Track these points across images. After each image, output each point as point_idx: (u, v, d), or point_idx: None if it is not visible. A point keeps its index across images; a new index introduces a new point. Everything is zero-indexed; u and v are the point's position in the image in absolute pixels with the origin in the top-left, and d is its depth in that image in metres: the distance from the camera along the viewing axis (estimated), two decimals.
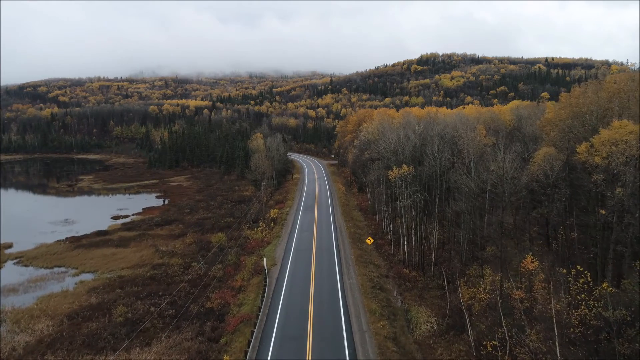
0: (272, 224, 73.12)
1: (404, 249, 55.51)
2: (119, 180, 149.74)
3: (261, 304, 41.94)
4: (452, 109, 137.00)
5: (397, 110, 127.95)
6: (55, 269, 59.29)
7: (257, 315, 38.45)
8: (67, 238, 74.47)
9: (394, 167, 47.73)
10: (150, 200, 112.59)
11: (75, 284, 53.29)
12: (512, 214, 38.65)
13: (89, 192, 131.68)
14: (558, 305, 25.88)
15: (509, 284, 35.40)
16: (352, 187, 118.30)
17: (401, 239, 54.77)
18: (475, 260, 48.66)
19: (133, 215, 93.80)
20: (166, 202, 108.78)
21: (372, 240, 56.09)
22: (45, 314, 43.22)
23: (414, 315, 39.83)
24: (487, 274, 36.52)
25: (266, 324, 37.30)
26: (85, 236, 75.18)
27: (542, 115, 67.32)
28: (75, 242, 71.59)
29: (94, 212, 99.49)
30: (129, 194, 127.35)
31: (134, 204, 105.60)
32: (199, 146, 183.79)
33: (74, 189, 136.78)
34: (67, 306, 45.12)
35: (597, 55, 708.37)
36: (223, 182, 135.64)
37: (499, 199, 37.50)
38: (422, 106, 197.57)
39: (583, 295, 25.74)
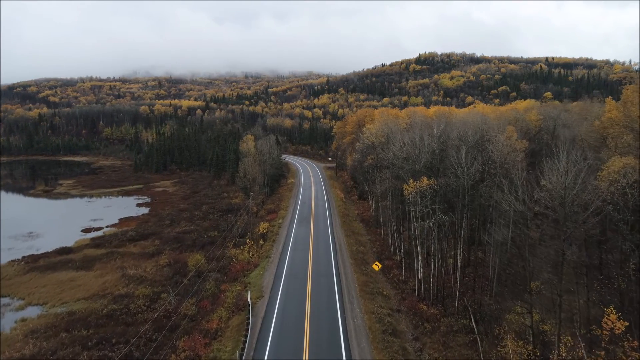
0: (262, 241, 63.15)
1: (418, 276, 45.71)
2: (100, 185, 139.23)
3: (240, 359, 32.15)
4: (458, 109, 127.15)
5: (401, 110, 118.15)
6: None
7: None
8: (23, 257, 64.20)
9: (410, 180, 37.87)
10: (130, 208, 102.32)
11: (15, 322, 43.20)
12: (579, 246, 28.87)
13: (66, 198, 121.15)
14: None
15: (577, 343, 25.63)
16: (351, 194, 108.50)
17: (415, 264, 44.93)
18: (511, 294, 38.95)
19: (107, 227, 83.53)
20: (147, 211, 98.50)
21: (380, 266, 46.22)
22: None
23: None
24: (544, 325, 26.69)
25: None
26: (45, 255, 64.91)
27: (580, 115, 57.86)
28: (32, 262, 61.37)
29: (64, 223, 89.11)
30: (111, 196, 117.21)
31: (110, 214, 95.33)
32: (188, 148, 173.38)
33: (50, 195, 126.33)
34: None
35: (597, 55, 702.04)
36: (212, 187, 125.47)
37: (557, 226, 27.73)
38: (427, 106, 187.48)
39: None
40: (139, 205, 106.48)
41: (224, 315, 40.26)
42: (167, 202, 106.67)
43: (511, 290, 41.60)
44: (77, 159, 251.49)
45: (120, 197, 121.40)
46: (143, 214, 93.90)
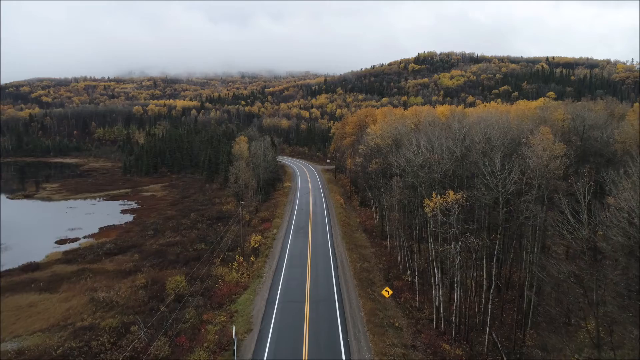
0: (253, 257, 55.74)
1: (435, 303, 38.51)
2: (85, 189, 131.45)
3: None
4: (468, 108, 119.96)
5: (405, 109, 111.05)
6: None
7: None
8: None
9: (433, 194, 30.62)
10: (114, 215, 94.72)
11: None
12: None
13: (47, 204, 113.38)
14: None
15: None
16: (352, 199, 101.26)
17: (434, 292, 37.70)
18: (551, 330, 31.80)
19: (84, 237, 76.01)
20: (132, 219, 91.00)
21: (391, 292, 39.02)
22: None
23: None
24: None
25: None
26: (8, 272, 57.40)
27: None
28: None
29: (38, 232, 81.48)
30: (95, 201, 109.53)
31: (91, 222, 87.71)
32: (180, 150, 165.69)
33: (31, 200, 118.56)
34: None
35: (596, 55, 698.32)
36: (203, 192, 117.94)
37: (631, 256, 20.60)
38: (433, 106, 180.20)
39: None
40: (123, 211, 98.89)
41: (203, 357, 32.93)
42: (154, 209, 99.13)
43: (550, 325, 34.48)
44: (67, 160, 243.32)
45: (105, 202, 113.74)
46: (126, 222, 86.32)
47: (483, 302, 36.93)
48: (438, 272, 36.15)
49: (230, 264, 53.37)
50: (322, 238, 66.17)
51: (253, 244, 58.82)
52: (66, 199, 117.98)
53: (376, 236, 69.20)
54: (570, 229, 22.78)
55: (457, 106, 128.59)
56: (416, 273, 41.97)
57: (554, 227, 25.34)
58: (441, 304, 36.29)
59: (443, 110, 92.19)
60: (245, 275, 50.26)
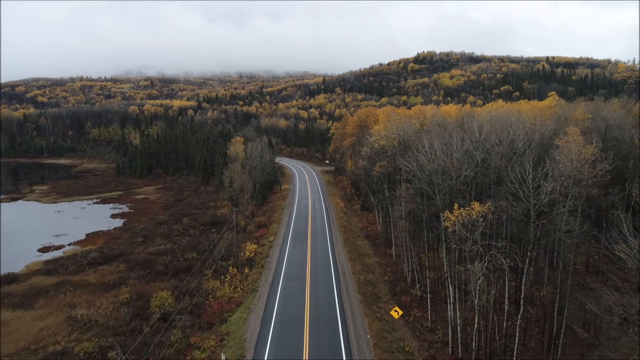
0: (247, 269, 51.37)
1: (451, 324, 34.25)
2: (76, 192, 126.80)
3: None
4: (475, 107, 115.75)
5: (408, 109, 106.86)
6: None
7: None
8: None
9: (455, 206, 26.29)
10: (103, 220, 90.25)
11: None
12: None
13: (34, 207, 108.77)
14: None
15: None
16: (352, 202, 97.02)
17: (449, 312, 33.45)
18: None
19: (70, 245, 71.52)
20: (121, 223, 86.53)
21: (401, 313, 34.75)
22: None
23: None
24: None
25: None
26: None
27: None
28: None
29: (21, 239, 76.91)
30: (85, 205, 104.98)
31: (78, 227, 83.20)
32: (175, 151, 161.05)
33: (18, 203, 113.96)
34: None
35: (596, 55, 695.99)
36: (198, 195, 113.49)
37: None
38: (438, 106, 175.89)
39: None
40: (113, 216, 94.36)
41: None
42: (146, 212, 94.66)
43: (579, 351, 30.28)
44: (61, 161, 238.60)
45: (95, 205, 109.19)
46: (115, 228, 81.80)
47: (505, 323, 32.66)
48: (455, 290, 31.89)
49: (222, 276, 49.04)
50: (322, 246, 61.96)
51: (248, 253, 54.46)
52: (55, 202, 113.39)
53: (380, 244, 64.95)
54: (629, 252, 18.61)
55: (462, 105, 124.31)
56: (428, 289, 37.63)
57: (600, 247, 21.12)
58: (458, 326, 32.01)
59: (448, 109, 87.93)
60: (238, 289, 45.93)
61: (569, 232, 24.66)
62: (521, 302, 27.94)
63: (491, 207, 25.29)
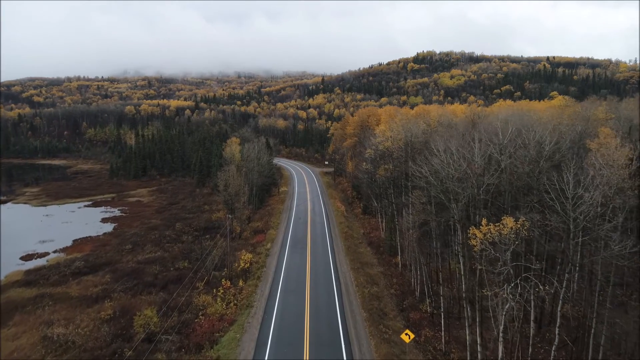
0: (242, 282, 47.38)
1: (468, 348, 30.40)
2: (67, 194, 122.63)
3: None
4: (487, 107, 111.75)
5: (411, 109, 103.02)
6: None
7: None
8: None
9: (483, 221, 22.46)
10: (92, 224, 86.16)
11: None
12: None
13: (22, 211, 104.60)
14: None
15: None
16: (353, 206, 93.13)
17: (467, 335, 29.57)
18: None
19: (54, 252, 67.52)
20: (111, 229, 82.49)
21: (412, 337, 30.88)
22: None
23: None
24: None
25: None
26: None
27: None
28: None
29: (3, 246, 72.60)
30: (75, 208, 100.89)
31: (66, 233, 79.18)
32: (170, 152, 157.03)
33: (5, 206, 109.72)
34: None
35: (596, 55, 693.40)
36: (193, 197, 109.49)
37: None
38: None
39: None
40: (103, 220, 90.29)
41: None
42: (138, 217, 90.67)
43: None
44: (56, 162, 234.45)
45: (86, 209, 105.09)
46: (104, 234, 77.77)
47: (530, 349, 28.80)
48: (475, 313, 28.05)
49: (214, 290, 45.10)
50: (322, 254, 58.09)
51: (243, 264, 50.52)
52: (45, 205, 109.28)
53: (384, 251, 61.01)
54: None
55: (469, 105, 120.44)
56: (442, 309, 33.74)
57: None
58: (479, 354, 28.10)
59: (454, 109, 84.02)
60: (232, 304, 42.00)
61: (622, 252, 20.95)
62: (556, 332, 24.08)
63: (525, 223, 21.53)
